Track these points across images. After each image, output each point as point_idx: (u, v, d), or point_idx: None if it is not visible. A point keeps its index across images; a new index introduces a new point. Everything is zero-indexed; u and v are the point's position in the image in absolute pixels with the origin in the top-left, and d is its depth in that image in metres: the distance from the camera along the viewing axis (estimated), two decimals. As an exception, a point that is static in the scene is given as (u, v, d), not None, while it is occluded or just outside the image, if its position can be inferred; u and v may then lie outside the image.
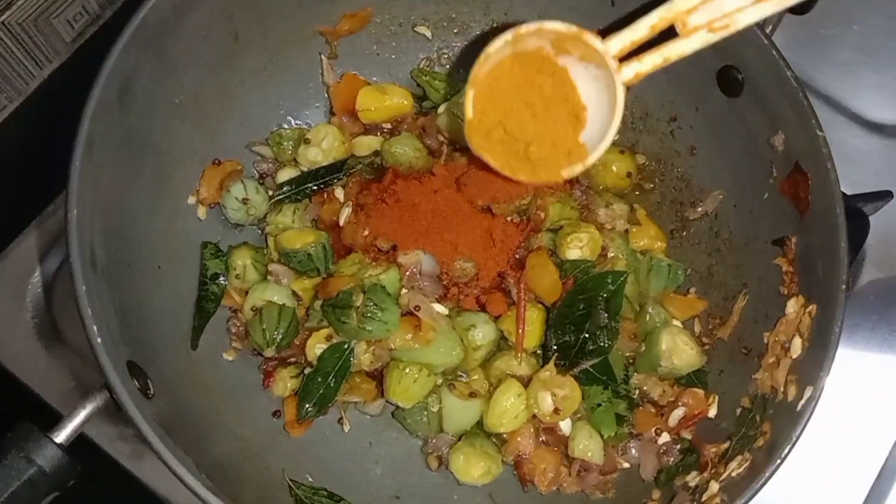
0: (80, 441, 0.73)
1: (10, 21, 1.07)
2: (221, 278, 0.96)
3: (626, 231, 1.02)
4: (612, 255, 0.98)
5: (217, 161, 0.99)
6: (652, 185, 1.06)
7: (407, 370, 0.92)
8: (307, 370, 0.94)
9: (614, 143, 1.06)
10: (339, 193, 1.01)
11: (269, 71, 1.02)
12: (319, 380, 0.92)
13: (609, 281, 0.94)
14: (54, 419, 0.72)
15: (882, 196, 1.10)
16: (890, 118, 1.23)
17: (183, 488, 0.92)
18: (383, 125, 1.05)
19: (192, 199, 0.97)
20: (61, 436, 0.71)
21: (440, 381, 0.95)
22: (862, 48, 1.26)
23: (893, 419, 1.08)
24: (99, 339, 0.70)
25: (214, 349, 0.96)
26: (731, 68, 0.92)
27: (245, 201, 0.98)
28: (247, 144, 1.03)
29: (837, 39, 1.26)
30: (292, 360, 0.97)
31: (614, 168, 1.04)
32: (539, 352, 0.96)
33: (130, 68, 0.83)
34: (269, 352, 0.94)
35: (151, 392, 0.77)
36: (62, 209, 1.04)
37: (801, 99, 0.85)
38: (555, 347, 0.93)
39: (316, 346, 0.93)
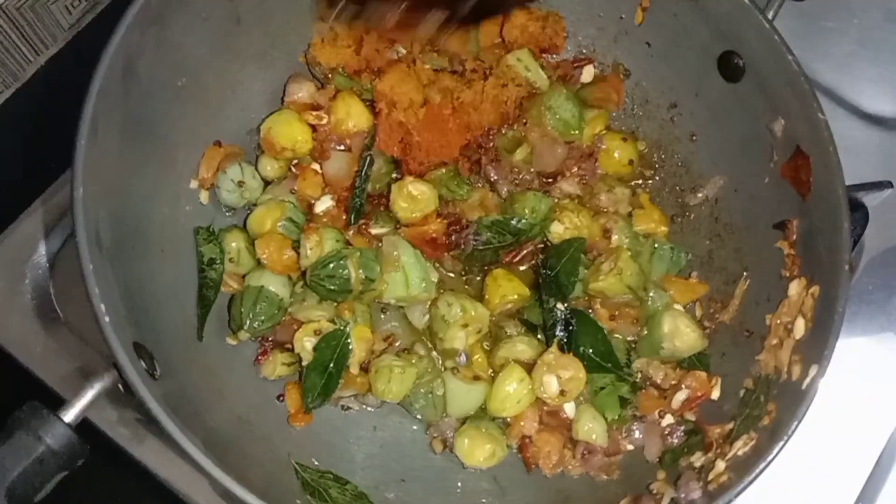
0: (82, 426, 0.72)
1: (7, 6, 1.06)
2: (218, 263, 0.95)
3: (630, 214, 1.02)
4: (616, 237, 0.98)
5: (219, 143, 0.98)
6: (652, 171, 1.07)
7: (390, 368, 0.92)
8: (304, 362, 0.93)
9: (616, 131, 1.07)
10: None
11: (271, 56, 1.01)
12: (320, 370, 0.91)
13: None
14: (55, 403, 0.71)
15: (881, 186, 1.10)
16: (889, 110, 1.24)
17: (183, 471, 0.93)
18: None
19: (194, 184, 0.97)
20: (69, 415, 0.70)
21: (441, 365, 0.96)
22: (862, 41, 1.27)
23: (892, 407, 1.09)
24: (107, 318, 0.70)
25: (218, 334, 0.95)
26: (732, 53, 0.93)
27: (240, 184, 0.98)
28: (248, 130, 1.03)
29: (838, 32, 1.27)
30: (289, 346, 0.96)
31: (616, 155, 1.04)
32: (541, 337, 0.97)
33: (133, 49, 0.82)
34: (243, 335, 0.93)
35: (158, 373, 0.77)
36: (61, 193, 1.05)
37: (802, 82, 0.86)
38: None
39: (304, 340, 0.92)
